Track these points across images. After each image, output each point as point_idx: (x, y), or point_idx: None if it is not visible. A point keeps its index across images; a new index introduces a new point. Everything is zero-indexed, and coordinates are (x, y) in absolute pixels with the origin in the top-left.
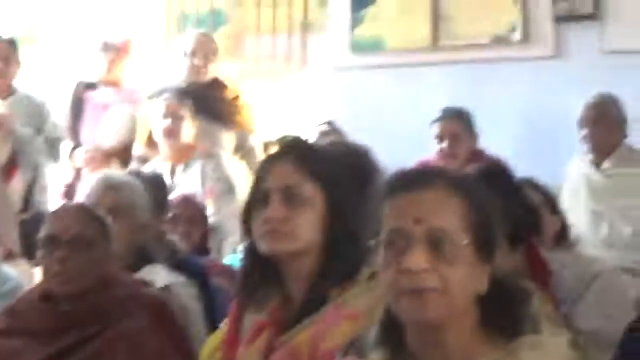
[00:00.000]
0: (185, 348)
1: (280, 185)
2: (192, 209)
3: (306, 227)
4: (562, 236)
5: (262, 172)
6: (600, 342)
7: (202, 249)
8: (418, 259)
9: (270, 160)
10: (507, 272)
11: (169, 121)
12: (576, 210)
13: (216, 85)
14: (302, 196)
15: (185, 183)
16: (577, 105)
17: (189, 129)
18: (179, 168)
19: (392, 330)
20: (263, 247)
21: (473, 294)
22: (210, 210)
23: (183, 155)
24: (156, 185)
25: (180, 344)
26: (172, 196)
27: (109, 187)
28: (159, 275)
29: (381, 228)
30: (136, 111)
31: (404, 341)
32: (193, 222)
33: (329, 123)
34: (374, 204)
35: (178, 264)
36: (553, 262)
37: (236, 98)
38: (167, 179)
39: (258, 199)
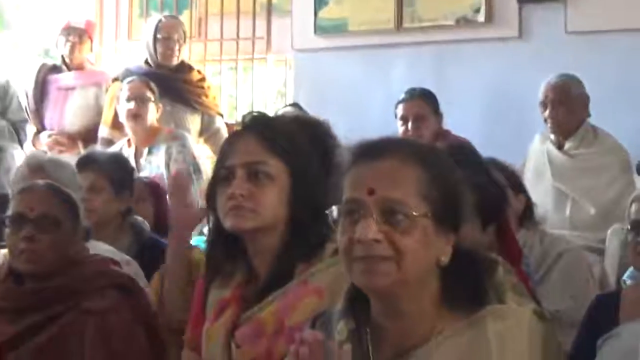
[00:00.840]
0: (152, 325)
1: (244, 161)
2: (137, 189)
3: (270, 203)
4: (527, 216)
5: (226, 149)
6: (563, 323)
7: (160, 228)
8: (369, 229)
9: (234, 137)
10: (472, 243)
11: (133, 104)
12: (540, 189)
13: (181, 67)
14: (266, 172)
15: (150, 165)
16: (540, 85)
17: (153, 112)
18: (144, 151)
19: (358, 301)
20: (228, 223)
21: (431, 263)
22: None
23: (148, 138)
24: (118, 165)
25: (148, 321)
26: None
27: (36, 168)
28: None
29: (342, 196)
30: (100, 94)
31: (369, 312)
32: (139, 201)
33: (294, 105)
34: (336, 178)
35: (144, 244)
36: (520, 241)
37: (201, 80)
38: (132, 162)
39: (222, 175)
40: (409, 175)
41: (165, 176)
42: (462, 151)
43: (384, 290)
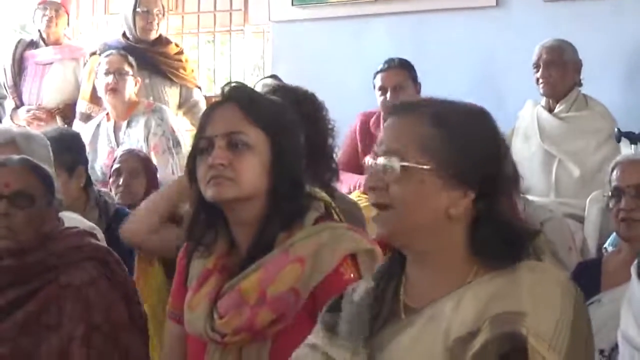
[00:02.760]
0: (131, 296)
1: (224, 131)
2: (133, 162)
3: (251, 173)
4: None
5: (206, 120)
6: None
7: None
8: (370, 178)
9: (213, 107)
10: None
11: (112, 78)
12: (527, 152)
13: (159, 41)
14: (246, 142)
15: (129, 139)
16: (518, 54)
17: (132, 86)
18: (123, 124)
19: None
20: (208, 193)
21: (439, 215)
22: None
23: (127, 111)
24: (59, 146)
25: (126, 292)
26: (118, 152)
27: (8, 142)
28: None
29: None
30: (78, 68)
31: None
32: (134, 175)
33: (272, 77)
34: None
35: (111, 217)
36: None
37: (179, 53)
38: (111, 135)
39: (202, 146)
40: (417, 129)
41: (144, 149)
42: None
43: (392, 238)
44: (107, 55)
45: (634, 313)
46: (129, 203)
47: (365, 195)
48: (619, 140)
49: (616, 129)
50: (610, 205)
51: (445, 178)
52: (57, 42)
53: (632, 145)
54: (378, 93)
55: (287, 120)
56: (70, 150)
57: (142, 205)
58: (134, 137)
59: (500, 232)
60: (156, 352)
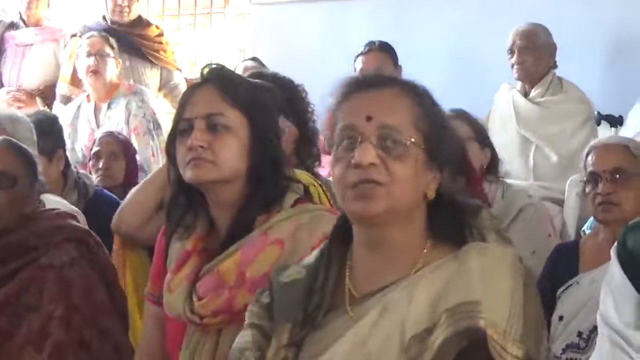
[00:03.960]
0: (111, 277)
1: (203, 113)
2: (113, 145)
3: (230, 155)
4: (491, 169)
5: (185, 102)
6: None
7: (129, 184)
8: (367, 153)
9: (193, 89)
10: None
11: (93, 60)
12: (505, 137)
13: (139, 23)
14: (225, 124)
15: (110, 121)
16: (498, 36)
17: (113, 68)
18: (104, 106)
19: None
20: (187, 175)
21: (419, 195)
22: (135, 148)
23: (107, 93)
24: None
25: (106, 274)
26: (98, 134)
27: None
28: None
29: (335, 128)
30: (59, 50)
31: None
32: (114, 158)
33: (254, 59)
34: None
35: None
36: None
37: (159, 36)
38: (91, 117)
39: (181, 128)
40: (404, 105)
41: (125, 132)
42: None
43: (376, 216)
44: (88, 37)
45: (613, 295)
46: (108, 185)
47: None
48: (598, 123)
49: (596, 112)
50: (587, 190)
51: (428, 156)
52: (37, 24)
53: (612, 128)
54: None
55: (265, 101)
56: (49, 134)
57: (132, 196)
58: (115, 119)
59: (450, 211)
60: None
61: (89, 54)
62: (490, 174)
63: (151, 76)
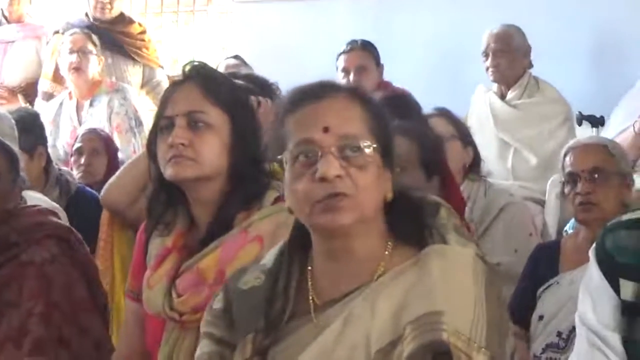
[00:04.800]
0: (92, 275)
1: (184, 110)
2: (94, 142)
3: (211, 152)
4: (473, 168)
5: (166, 99)
6: (504, 276)
7: None
8: (331, 166)
9: (174, 86)
10: (412, 184)
11: (75, 56)
12: (483, 139)
13: (122, 20)
14: (206, 121)
15: (92, 119)
16: (479, 36)
17: (95, 65)
18: (86, 104)
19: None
20: (168, 172)
21: (381, 200)
22: (117, 146)
23: (90, 90)
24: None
25: (87, 271)
26: (80, 131)
27: None
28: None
29: (287, 142)
30: (41, 47)
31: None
32: (95, 155)
33: (236, 57)
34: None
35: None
36: (464, 193)
37: (142, 33)
38: (73, 115)
39: (163, 125)
40: (356, 111)
41: (107, 129)
42: (401, 101)
43: (345, 228)
44: (71, 34)
45: (591, 296)
46: (90, 182)
47: None
48: (580, 124)
49: (578, 112)
50: (566, 191)
51: (383, 160)
52: (19, 20)
53: (594, 129)
54: (341, 75)
55: (246, 100)
56: (31, 131)
57: (120, 175)
58: (97, 117)
59: (408, 213)
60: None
61: (72, 51)
62: (472, 173)
63: (133, 73)
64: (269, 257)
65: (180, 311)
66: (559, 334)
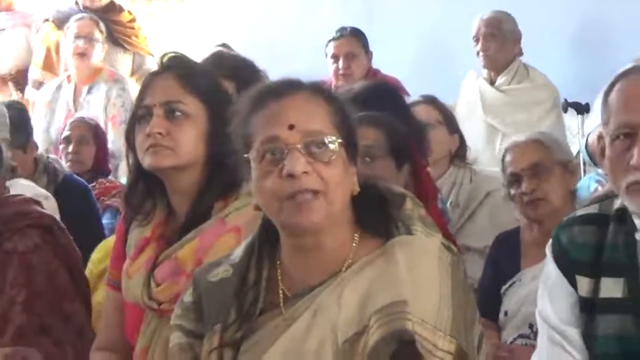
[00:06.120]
0: (75, 264)
1: (162, 100)
2: (82, 130)
3: (188, 142)
4: (460, 154)
5: (144, 89)
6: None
7: (99, 170)
8: (298, 163)
9: (152, 77)
10: (377, 176)
11: (82, 42)
12: (472, 125)
13: (112, 8)
14: (184, 111)
15: (88, 105)
16: (467, 23)
17: (99, 52)
18: (84, 89)
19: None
20: (146, 161)
21: (348, 194)
22: (110, 137)
23: (90, 77)
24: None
25: (70, 260)
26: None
27: None
28: (22, 188)
29: (252, 140)
30: (31, 35)
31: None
32: (83, 143)
33: (223, 46)
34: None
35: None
36: (449, 179)
37: (132, 21)
38: (70, 100)
39: (141, 115)
40: (319, 107)
41: (101, 119)
42: (382, 89)
43: (316, 226)
44: (78, 19)
45: (549, 293)
46: (77, 170)
47: None
48: (565, 111)
49: (563, 99)
50: (512, 192)
51: (348, 154)
52: (8, 8)
53: (579, 116)
54: (330, 61)
55: (224, 90)
56: (23, 129)
57: None
58: (93, 104)
59: (374, 205)
60: None
61: (78, 36)
62: (458, 159)
63: (123, 61)
64: (237, 251)
65: (158, 300)
66: (531, 327)
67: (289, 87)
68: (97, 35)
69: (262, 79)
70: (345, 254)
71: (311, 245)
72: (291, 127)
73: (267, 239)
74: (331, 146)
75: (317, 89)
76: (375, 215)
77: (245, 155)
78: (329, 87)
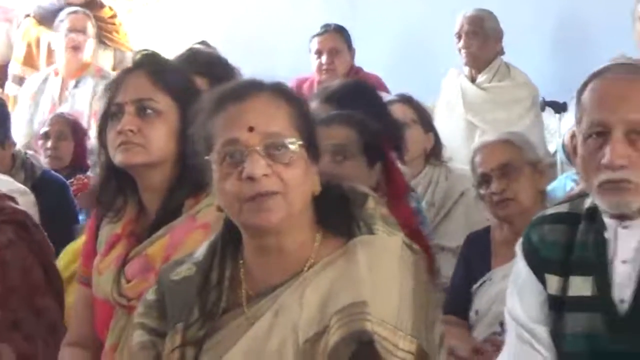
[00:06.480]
0: (49, 260)
1: (133, 97)
2: (61, 126)
3: (159, 139)
4: (435, 153)
5: (117, 86)
6: None
7: (77, 166)
8: (258, 165)
9: (124, 74)
10: (338, 175)
11: (76, 35)
12: (451, 122)
13: (93, 4)
14: (155, 109)
15: (73, 99)
16: (448, 21)
17: (90, 47)
18: (71, 83)
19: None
20: (117, 158)
21: (309, 195)
22: (93, 133)
23: (78, 71)
24: None
25: (44, 256)
26: (62, 109)
27: None
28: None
29: (213, 142)
30: (11, 30)
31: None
32: (62, 139)
33: (202, 42)
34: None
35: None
36: (425, 178)
37: (113, 17)
38: (56, 92)
39: (112, 112)
40: (280, 108)
41: (85, 114)
42: (359, 87)
43: (276, 226)
44: (71, 12)
45: (519, 291)
46: (56, 167)
47: None
48: (543, 110)
49: (541, 98)
50: (481, 192)
51: (309, 154)
52: None
53: (557, 114)
54: (314, 56)
55: (196, 87)
56: (2, 125)
57: None
58: (79, 98)
59: (336, 201)
60: None
61: (72, 30)
62: (434, 158)
63: (104, 57)
64: (201, 250)
65: (128, 297)
66: (502, 325)
67: (250, 89)
68: (90, 30)
69: (236, 76)
70: (307, 254)
71: (272, 245)
72: (251, 129)
73: (230, 239)
74: (291, 147)
75: (278, 90)
76: (337, 215)
77: (207, 157)
78: (291, 88)
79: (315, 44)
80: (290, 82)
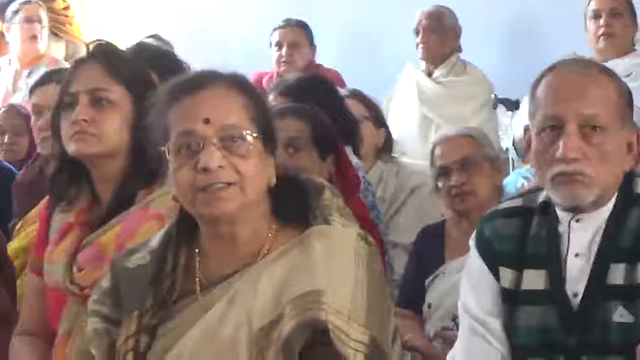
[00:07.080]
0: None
1: (87, 88)
2: (15, 119)
3: (113, 129)
4: (386, 149)
5: (70, 76)
6: None
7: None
8: (213, 157)
9: (78, 64)
10: (295, 167)
11: (33, 25)
12: (406, 117)
13: None
14: (109, 99)
15: (26, 88)
16: (409, 16)
17: (46, 37)
18: (24, 73)
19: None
20: (71, 148)
21: (265, 185)
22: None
23: (32, 60)
24: None
25: None
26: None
27: None
28: None
29: (169, 133)
30: None
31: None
32: (17, 132)
33: (154, 36)
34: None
35: None
36: (376, 174)
37: (66, 9)
38: (9, 81)
39: (66, 102)
40: (236, 100)
41: None
42: (315, 82)
43: (229, 216)
44: (25, 3)
45: (472, 285)
46: (11, 159)
47: None
48: (495, 107)
49: (493, 95)
50: (440, 185)
51: (265, 146)
52: None
53: (509, 112)
54: (274, 49)
55: (149, 78)
56: None
57: None
58: None
59: (293, 193)
60: None
61: (30, 20)
62: (385, 154)
63: (56, 49)
64: (156, 238)
65: (80, 285)
66: (454, 319)
67: (206, 80)
68: (44, 19)
69: (184, 70)
70: (261, 244)
71: (227, 234)
72: (207, 120)
73: (185, 228)
74: (248, 139)
75: (235, 82)
76: (293, 206)
77: (162, 148)
78: (248, 79)
79: (276, 36)
80: (247, 75)
